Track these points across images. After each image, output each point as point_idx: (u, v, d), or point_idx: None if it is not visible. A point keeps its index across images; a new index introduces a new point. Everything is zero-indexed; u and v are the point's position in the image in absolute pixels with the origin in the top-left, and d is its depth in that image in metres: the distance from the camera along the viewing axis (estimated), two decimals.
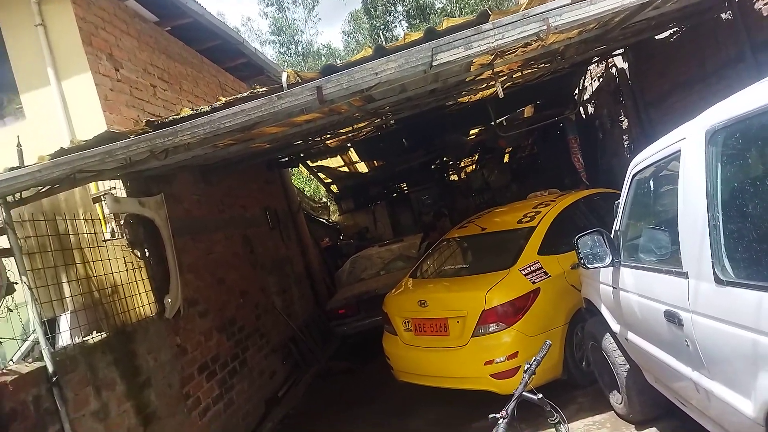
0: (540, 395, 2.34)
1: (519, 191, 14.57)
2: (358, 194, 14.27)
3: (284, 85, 3.15)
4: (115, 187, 4.65)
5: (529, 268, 4.83)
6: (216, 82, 8.31)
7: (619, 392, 4.01)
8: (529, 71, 6.66)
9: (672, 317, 2.53)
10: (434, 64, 3.06)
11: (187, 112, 3.22)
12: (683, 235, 2.37)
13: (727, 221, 2.00)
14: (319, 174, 13.14)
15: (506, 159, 16.89)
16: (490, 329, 4.59)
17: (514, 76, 6.73)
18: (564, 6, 2.99)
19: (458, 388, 4.92)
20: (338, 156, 12.18)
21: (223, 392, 5.76)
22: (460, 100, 8.92)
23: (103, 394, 3.82)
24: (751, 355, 1.86)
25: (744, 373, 1.94)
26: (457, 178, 16.48)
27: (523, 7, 3.18)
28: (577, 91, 12.70)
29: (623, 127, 11.02)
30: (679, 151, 2.39)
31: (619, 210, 3.26)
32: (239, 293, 6.90)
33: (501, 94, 4.97)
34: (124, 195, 4.77)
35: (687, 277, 2.35)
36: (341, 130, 7.11)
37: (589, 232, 3.29)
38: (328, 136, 7.38)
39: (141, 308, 4.65)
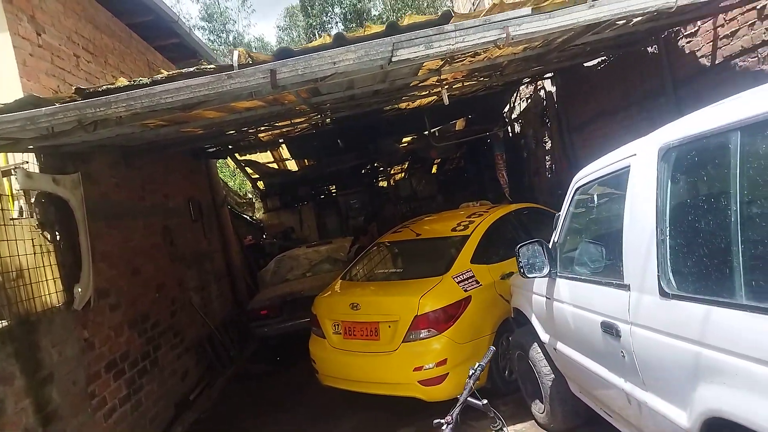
0: (485, 401, 2.32)
1: (444, 202, 14.88)
2: (285, 193, 13.95)
3: (235, 64, 2.97)
4: (27, 162, 4.21)
5: (461, 276, 4.88)
6: (144, 60, 7.81)
7: (541, 401, 4.11)
8: (469, 83, 6.79)
9: (609, 328, 2.60)
10: (394, 59, 3.01)
11: (123, 82, 2.95)
12: (627, 248, 2.45)
13: (675, 236, 2.07)
14: (246, 168, 12.72)
15: (434, 170, 17.21)
16: (421, 335, 4.57)
17: (454, 86, 6.83)
18: (524, 16, 3.04)
19: (384, 394, 4.86)
20: (269, 151, 11.87)
21: (131, 393, 5.37)
22: (399, 105, 8.96)
23: (0, 388, 3.42)
24: (692, 367, 1.92)
25: (682, 385, 2.00)
26: (386, 185, 16.56)
27: (484, 13, 3.20)
28: (506, 110, 13.18)
29: (546, 148, 11.54)
30: (629, 166, 2.48)
31: (558, 222, 3.35)
32: (155, 287, 6.49)
33: (446, 101, 5.02)
34: (37, 171, 4.33)
35: (628, 289, 2.42)
36: (278, 123, 6.90)
37: (529, 243, 3.35)
38: (264, 128, 7.13)
39: (47, 296, 4.22)
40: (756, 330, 1.60)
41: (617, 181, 2.63)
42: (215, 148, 9.62)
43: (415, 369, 4.49)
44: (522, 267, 3.36)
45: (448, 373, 4.47)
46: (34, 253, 4.10)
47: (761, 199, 1.66)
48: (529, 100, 11.84)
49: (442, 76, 5.02)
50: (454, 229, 5.51)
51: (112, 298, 5.35)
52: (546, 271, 3.28)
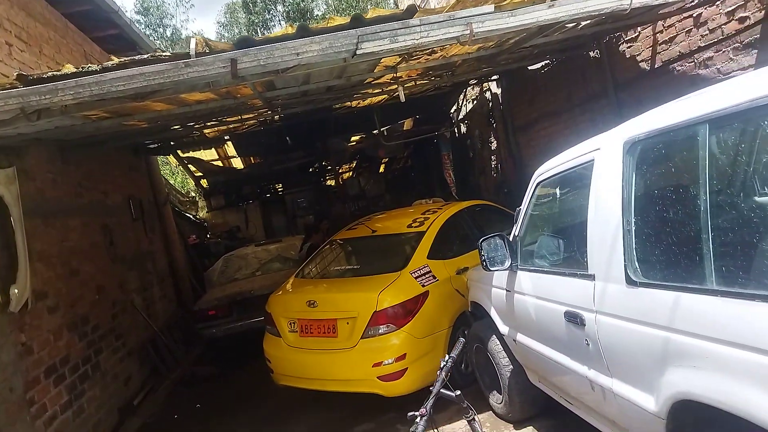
0: (458, 392, 2.32)
1: (392, 201, 14.95)
2: (230, 191, 13.60)
3: (192, 53, 2.84)
4: None
5: (419, 272, 4.89)
6: (81, 51, 7.40)
7: (499, 392, 4.19)
8: (422, 82, 6.83)
9: (573, 317, 2.67)
10: (358, 52, 2.97)
11: (70, 68, 2.77)
12: (592, 239, 2.52)
13: (641, 226, 2.15)
14: (189, 166, 12.30)
15: (382, 169, 17.26)
16: (380, 331, 4.55)
17: (407, 85, 6.84)
18: (487, 14, 3.07)
19: (343, 391, 4.82)
20: (213, 148, 11.54)
21: (73, 399, 5.07)
22: (350, 103, 8.92)
23: None
24: (660, 352, 2.00)
25: (650, 370, 2.07)
26: (334, 184, 16.45)
27: (446, 9, 3.22)
28: (453, 111, 13.38)
29: (492, 148, 11.80)
30: (593, 160, 2.55)
31: (519, 216, 3.41)
32: (95, 288, 6.16)
33: (402, 98, 5.03)
34: None
35: (593, 279, 2.49)
36: (227, 119, 6.70)
37: (491, 237, 3.39)
38: (212, 123, 6.91)
39: None
40: (726, 314, 1.67)
41: (580, 174, 2.71)
42: (156, 144, 9.26)
43: (375, 365, 4.47)
44: (484, 260, 3.40)
45: (407, 368, 4.47)
46: None
47: (730, 188, 1.74)
48: (475, 102, 12.07)
49: (398, 74, 5.02)
50: (409, 226, 5.53)
51: (50, 300, 5.04)
52: (507, 264, 3.34)
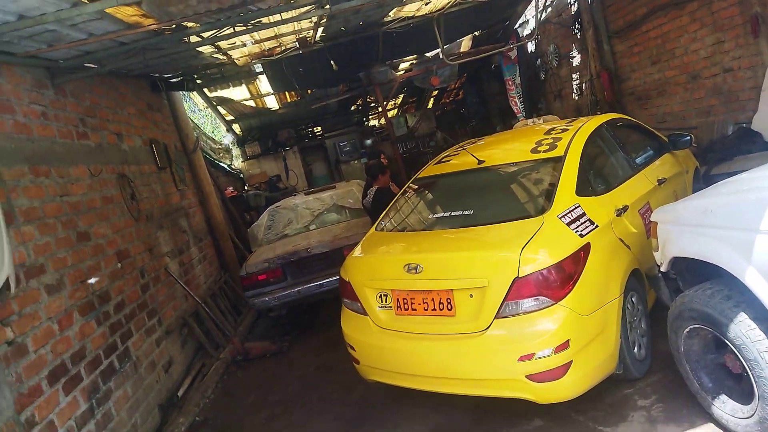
0: None
1: (444, 140, 13.24)
2: (265, 137, 12.04)
3: None
4: None
5: (570, 215, 3.30)
6: None
7: (738, 400, 2.65)
8: None
9: None
10: None
11: None
12: None
13: None
14: (218, 108, 10.75)
15: (430, 105, 15.45)
16: (525, 306, 3.01)
17: None
18: None
19: (469, 395, 3.35)
20: (243, 85, 9.94)
21: (94, 405, 3.77)
22: (405, 10, 7.21)
23: None
24: None
25: None
26: (377, 124, 14.73)
27: None
28: (517, 26, 11.38)
29: (574, 65, 9.85)
30: None
31: None
32: (115, 255, 4.78)
33: None
34: None
35: None
36: (263, 21, 5.04)
37: None
38: (241, 29, 5.25)
39: None
40: None
41: None
42: (178, 77, 7.71)
43: (522, 358, 2.96)
44: None
45: (571, 362, 2.96)
46: None
47: None
48: (550, 9, 10.03)
49: None
50: (534, 151, 3.89)
51: (50, 276, 3.66)
52: None
